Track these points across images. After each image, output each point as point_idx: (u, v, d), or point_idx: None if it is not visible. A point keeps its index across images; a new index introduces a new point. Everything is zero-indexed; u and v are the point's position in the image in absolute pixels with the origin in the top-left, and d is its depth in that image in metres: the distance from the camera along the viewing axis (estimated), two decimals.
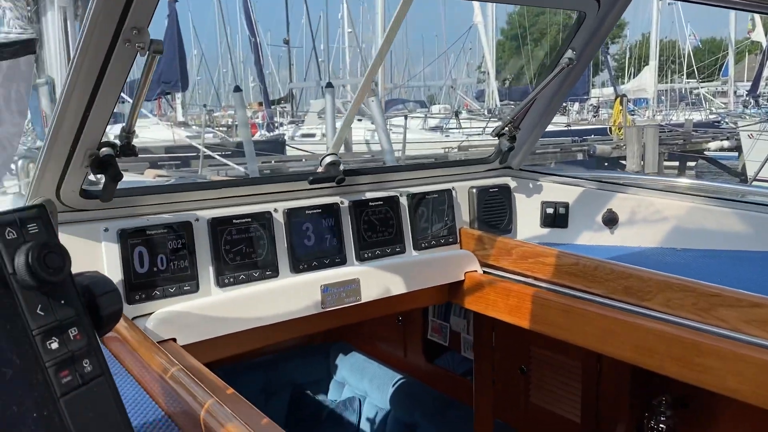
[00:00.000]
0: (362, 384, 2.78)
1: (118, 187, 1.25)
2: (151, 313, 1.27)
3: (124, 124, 1.17)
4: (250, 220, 1.44)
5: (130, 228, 1.28)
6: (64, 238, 1.22)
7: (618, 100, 15.81)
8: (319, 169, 1.59)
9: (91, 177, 1.23)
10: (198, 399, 0.79)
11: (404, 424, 2.54)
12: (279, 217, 1.49)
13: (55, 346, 0.59)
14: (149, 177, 4.99)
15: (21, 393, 0.55)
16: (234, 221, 1.41)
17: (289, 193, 1.53)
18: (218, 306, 1.34)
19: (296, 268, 1.49)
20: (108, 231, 1.25)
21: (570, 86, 1.79)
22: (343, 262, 1.57)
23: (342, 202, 1.59)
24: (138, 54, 0.99)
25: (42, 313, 0.59)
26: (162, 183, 1.79)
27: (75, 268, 1.20)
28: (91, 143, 1.12)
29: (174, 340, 1.25)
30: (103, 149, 1.17)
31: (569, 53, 1.61)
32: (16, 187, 2.56)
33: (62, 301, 0.61)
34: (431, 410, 2.40)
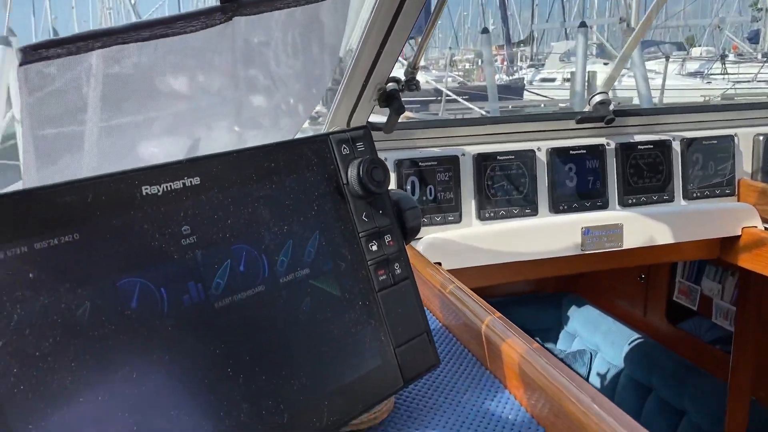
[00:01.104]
0: (594, 338, 2.72)
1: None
2: (420, 238, 1.38)
3: (409, 60, 1.27)
4: (513, 157, 1.46)
5: (406, 159, 1.39)
6: None
7: None
8: (586, 108, 1.55)
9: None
10: (478, 315, 0.86)
11: (638, 384, 2.45)
12: (542, 156, 1.50)
13: (375, 248, 0.69)
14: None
15: (351, 284, 0.65)
16: (498, 158, 1.45)
17: (553, 132, 1.52)
18: (479, 237, 1.40)
19: (556, 208, 1.49)
20: (386, 160, 1.37)
21: None
22: (605, 206, 1.53)
23: (608, 144, 1.54)
24: None
25: (366, 220, 0.68)
26: (436, 119, 1.89)
27: None
28: (381, 78, 1.23)
29: (439, 263, 1.34)
30: (390, 84, 1.27)
31: None
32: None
33: (380, 211, 0.70)
34: (671, 375, 2.28)
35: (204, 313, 0.53)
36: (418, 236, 1.39)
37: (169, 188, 0.54)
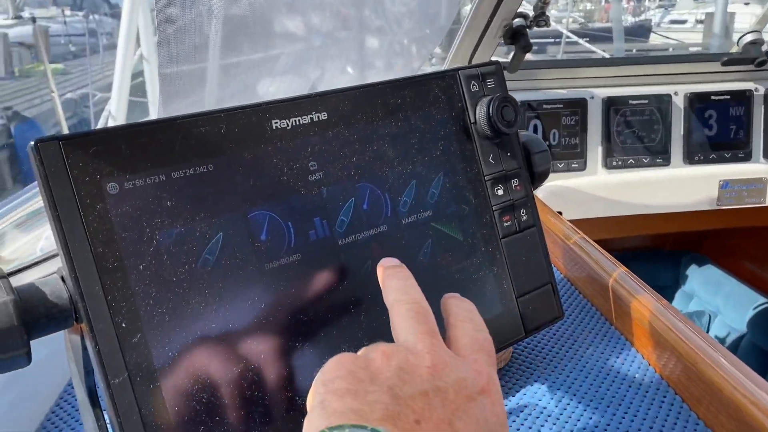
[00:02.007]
0: (715, 300, 2.56)
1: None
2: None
3: None
4: (647, 102, 1.36)
5: (530, 100, 1.33)
6: None
7: None
8: (733, 50, 1.41)
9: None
10: (605, 268, 0.81)
11: (762, 351, 2.29)
12: (679, 102, 1.38)
13: (500, 192, 0.66)
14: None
15: (474, 228, 0.63)
16: (630, 102, 1.36)
17: (694, 75, 1.40)
18: (604, 186, 1.33)
19: (691, 158, 1.38)
20: None
21: None
22: (747, 158, 1.40)
23: (757, 90, 1.40)
24: None
25: (492, 162, 0.65)
26: (563, 59, 1.80)
27: None
28: (508, 13, 1.16)
29: (560, 213, 1.29)
30: (516, 20, 1.20)
31: None
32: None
33: (509, 154, 0.67)
34: None
35: (329, 249, 0.53)
36: None
37: (297, 122, 0.53)
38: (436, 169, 0.61)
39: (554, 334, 0.76)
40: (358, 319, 0.54)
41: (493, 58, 1.32)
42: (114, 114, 3.63)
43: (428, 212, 0.60)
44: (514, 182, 0.67)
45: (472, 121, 0.64)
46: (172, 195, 0.46)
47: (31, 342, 0.43)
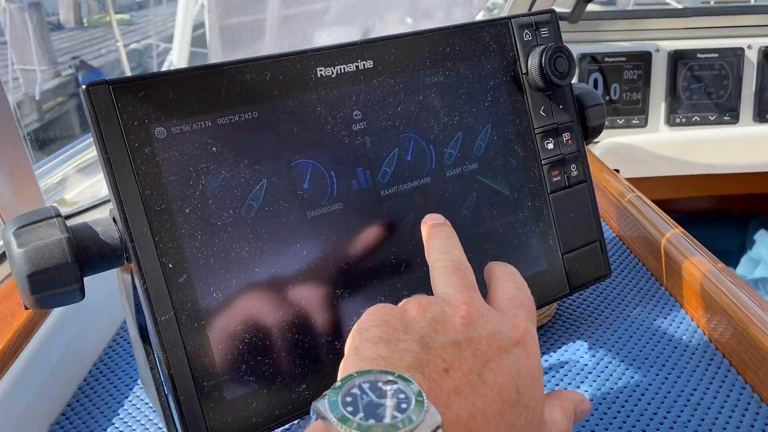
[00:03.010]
0: None
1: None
2: (597, 141, 1.29)
3: None
4: (716, 56, 1.29)
5: (591, 53, 1.28)
6: None
7: None
8: None
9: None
10: (659, 227, 0.79)
11: None
12: (752, 56, 1.30)
13: (551, 146, 0.64)
14: None
15: (521, 183, 0.62)
16: (698, 56, 1.29)
17: None
18: (666, 144, 1.28)
19: (762, 116, 1.31)
20: None
21: None
22: None
23: None
24: None
25: (543, 115, 0.64)
26: (626, 9, 1.72)
27: None
28: None
29: (617, 171, 1.25)
30: None
31: None
32: None
33: (561, 106, 0.65)
34: None
35: (371, 199, 0.54)
36: (596, 140, 1.30)
37: (342, 71, 0.53)
38: (483, 121, 0.60)
39: (601, 293, 0.75)
40: (398, 270, 0.55)
41: (555, 8, 1.27)
42: (175, 64, 3.68)
43: (474, 165, 0.60)
44: (566, 136, 0.66)
45: (524, 71, 0.63)
46: (218, 141, 0.47)
47: (90, 280, 0.46)
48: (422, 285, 0.55)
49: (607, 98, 1.29)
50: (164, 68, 4.17)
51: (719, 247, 2.67)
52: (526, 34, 0.63)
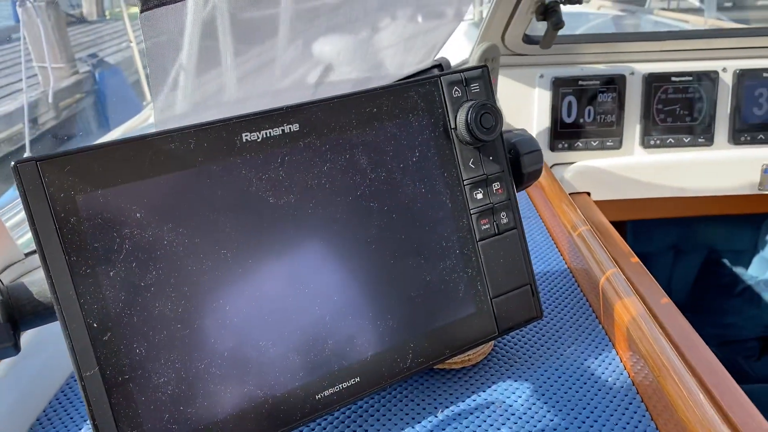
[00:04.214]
0: None
1: (559, 34, 1.26)
2: (571, 163, 1.31)
3: None
4: (691, 78, 1.30)
5: (564, 76, 1.29)
6: (502, 80, 1.32)
7: None
8: None
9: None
10: (601, 265, 0.82)
11: None
12: (727, 78, 1.31)
13: (480, 196, 0.67)
14: (593, 9, 4.82)
15: (449, 232, 0.65)
16: (672, 78, 1.30)
17: (745, 50, 1.32)
18: (640, 167, 1.30)
19: (736, 139, 1.32)
20: (543, 77, 1.29)
21: None
22: None
23: None
24: None
25: (473, 166, 0.67)
26: (602, 33, 1.73)
27: (512, 108, 1.29)
28: None
29: (588, 194, 1.28)
30: None
31: None
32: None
33: (491, 158, 0.68)
34: None
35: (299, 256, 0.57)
36: (568, 161, 1.32)
37: (268, 135, 0.56)
38: (411, 175, 0.63)
39: (541, 329, 0.78)
40: (323, 321, 0.58)
41: (529, 33, 1.29)
42: (185, 64, 3.72)
43: (401, 217, 0.63)
44: (495, 186, 0.68)
45: (453, 126, 0.66)
46: (141, 207, 0.51)
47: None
48: (347, 333, 0.59)
49: (582, 120, 1.31)
50: (176, 66, 4.22)
51: (732, 246, 2.66)
52: (456, 90, 0.66)
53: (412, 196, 0.63)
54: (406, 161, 0.63)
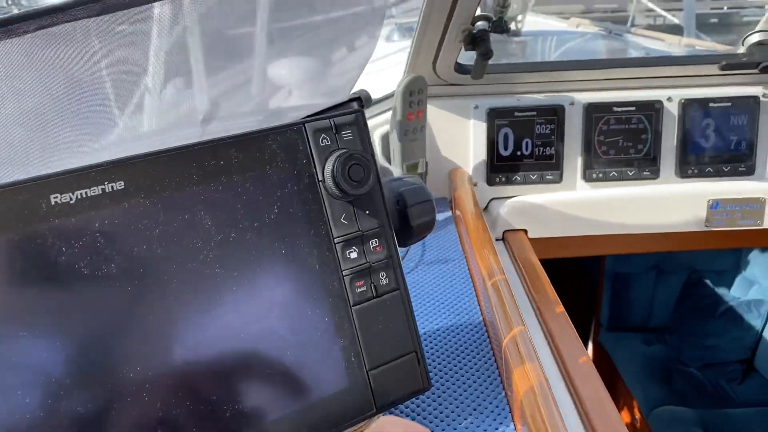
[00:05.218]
0: None
1: (495, 63, 1.20)
2: (510, 197, 1.25)
3: None
4: (634, 108, 1.25)
5: (500, 107, 1.24)
6: (435, 111, 1.26)
7: None
8: (740, 50, 1.27)
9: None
10: (509, 321, 0.75)
11: None
12: (672, 108, 1.27)
13: (354, 255, 0.61)
14: (572, 26, 4.80)
15: (316, 297, 0.59)
16: (614, 108, 1.25)
17: (690, 79, 1.28)
18: (581, 203, 1.24)
19: (684, 172, 1.27)
20: (478, 108, 1.24)
21: None
22: (749, 172, 1.28)
23: (765, 95, 1.26)
24: None
25: (345, 223, 0.60)
26: (539, 61, 1.69)
27: (447, 141, 1.24)
28: (465, 19, 1.08)
29: (525, 231, 1.22)
30: (479, 23, 1.12)
31: None
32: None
33: (367, 212, 0.62)
34: None
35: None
36: (506, 195, 1.27)
37: (84, 195, 0.50)
38: (270, 236, 0.57)
39: (440, 396, 0.72)
40: (184, 404, 0.51)
41: (461, 61, 1.24)
42: (150, 87, 3.66)
43: (257, 283, 0.56)
44: (373, 243, 0.62)
45: (321, 178, 0.59)
46: None
47: None
48: (205, 416, 0.52)
49: (519, 153, 1.26)
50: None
51: (713, 267, 2.61)
52: (324, 138, 0.60)
53: (271, 259, 0.57)
54: (262, 219, 0.57)
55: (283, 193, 0.58)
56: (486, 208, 1.29)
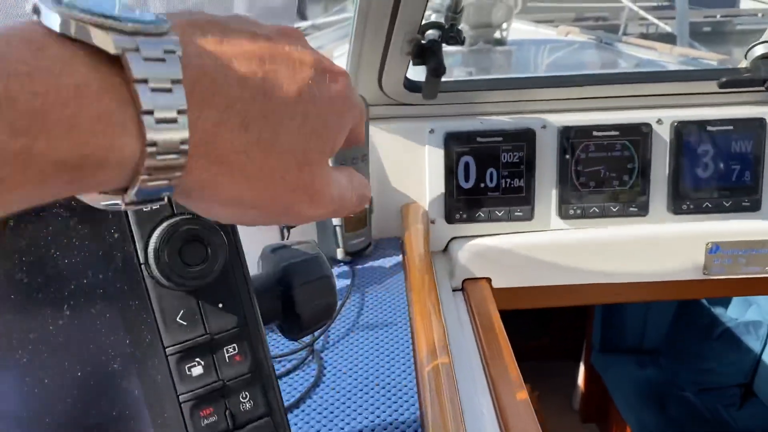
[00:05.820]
0: None
1: (451, 79, 1.03)
2: (472, 237, 1.07)
3: (450, 1, 0.92)
4: (618, 133, 1.08)
5: (459, 131, 1.06)
6: (383, 136, 1.08)
7: None
8: (742, 64, 1.11)
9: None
10: (446, 424, 0.57)
11: None
12: (662, 132, 1.10)
13: (198, 372, 0.42)
14: (561, 35, 4.65)
15: None
16: (594, 133, 1.08)
17: (684, 97, 1.11)
18: (556, 247, 1.06)
19: (677, 208, 1.10)
20: (433, 133, 1.06)
21: None
22: (754, 207, 1.11)
23: None
24: None
25: (184, 323, 0.42)
26: (507, 77, 1.52)
27: (398, 171, 1.05)
28: (410, 26, 0.90)
29: (489, 280, 1.04)
30: (429, 32, 0.94)
31: None
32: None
33: (220, 304, 0.43)
34: None
35: None
36: (469, 234, 1.09)
37: None
38: (63, 352, 0.38)
39: None
40: None
41: (410, 77, 1.06)
42: None
43: (33, 427, 0.37)
44: (230, 350, 0.43)
45: (142, 261, 0.40)
46: None
47: None
48: None
49: (483, 186, 1.08)
50: None
51: None
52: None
53: (60, 383, 0.38)
54: (44, 327, 0.37)
55: (78, 286, 0.39)
56: (446, 248, 1.11)
